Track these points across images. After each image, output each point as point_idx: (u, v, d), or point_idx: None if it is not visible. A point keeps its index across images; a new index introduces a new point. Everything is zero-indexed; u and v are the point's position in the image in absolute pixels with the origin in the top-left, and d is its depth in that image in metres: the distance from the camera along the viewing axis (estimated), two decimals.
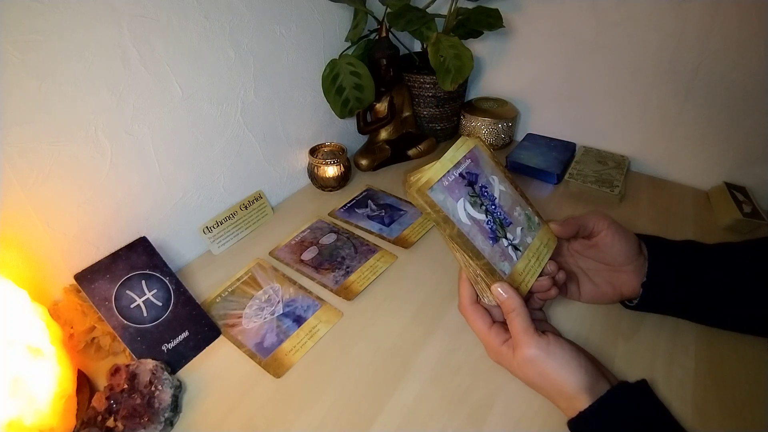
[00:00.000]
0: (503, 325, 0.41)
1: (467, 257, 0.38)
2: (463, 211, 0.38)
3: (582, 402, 0.35)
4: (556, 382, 0.36)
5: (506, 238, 0.40)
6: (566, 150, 0.80)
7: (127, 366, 0.42)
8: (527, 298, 0.41)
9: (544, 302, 0.45)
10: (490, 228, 0.39)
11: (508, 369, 0.40)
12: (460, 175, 0.39)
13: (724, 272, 0.43)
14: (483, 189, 0.40)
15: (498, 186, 0.41)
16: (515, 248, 0.41)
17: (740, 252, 0.44)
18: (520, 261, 0.40)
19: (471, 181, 0.39)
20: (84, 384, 0.44)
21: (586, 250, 0.47)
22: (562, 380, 0.36)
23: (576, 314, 0.50)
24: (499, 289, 0.38)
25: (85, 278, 0.45)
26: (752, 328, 0.45)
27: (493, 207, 0.40)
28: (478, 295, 0.42)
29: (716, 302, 0.43)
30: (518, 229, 0.41)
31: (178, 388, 0.44)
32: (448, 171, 0.38)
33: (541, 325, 0.44)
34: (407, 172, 0.39)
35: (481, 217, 0.39)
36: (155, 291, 0.48)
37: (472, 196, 0.39)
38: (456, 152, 0.39)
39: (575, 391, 0.35)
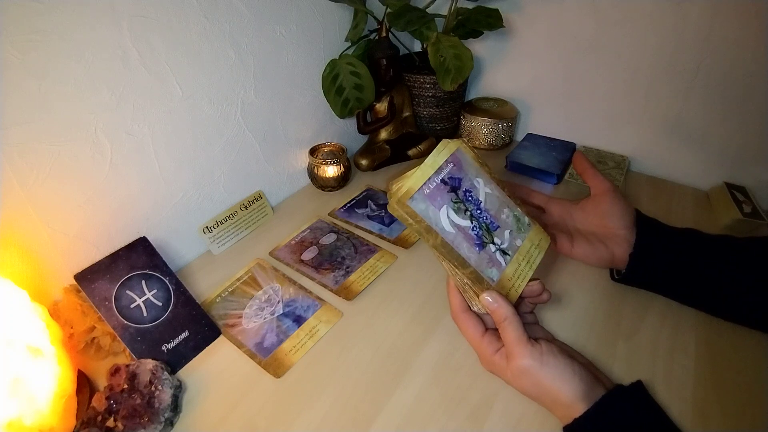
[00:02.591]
0: (496, 332, 0.40)
1: (453, 266, 0.37)
2: (446, 218, 0.36)
3: (578, 410, 0.35)
4: (552, 392, 0.36)
5: (493, 243, 0.39)
6: (566, 150, 0.80)
7: (127, 366, 0.42)
8: (518, 303, 0.40)
9: (535, 306, 0.44)
10: (476, 234, 0.38)
11: (502, 378, 0.40)
12: (442, 181, 0.37)
13: (714, 250, 0.45)
14: (467, 194, 0.38)
15: (483, 189, 0.40)
16: (503, 253, 0.39)
17: (730, 238, 0.46)
18: (509, 266, 0.39)
19: (454, 187, 0.37)
20: (84, 384, 0.44)
21: (583, 207, 0.50)
22: (557, 390, 0.36)
23: (576, 314, 0.50)
24: (488, 299, 0.37)
25: (85, 278, 0.45)
26: (740, 314, 0.45)
27: (479, 212, 0.39)
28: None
29: (703, 282, 0.44)
30: (506, 233, 0.40)
31: (178, 388, 0.44)
32: (429, 178, 0.36)
33: (533, 329, 0.43)
34: (389, 180, 0.37)
35: (466, 223, 0.37)
36: (155, 291, 0.48)
37: (455, 203, 0.37)
38: (437, 157, 0.37)
39: (571, 400, 0.35)
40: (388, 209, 0.35)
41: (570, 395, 0.35)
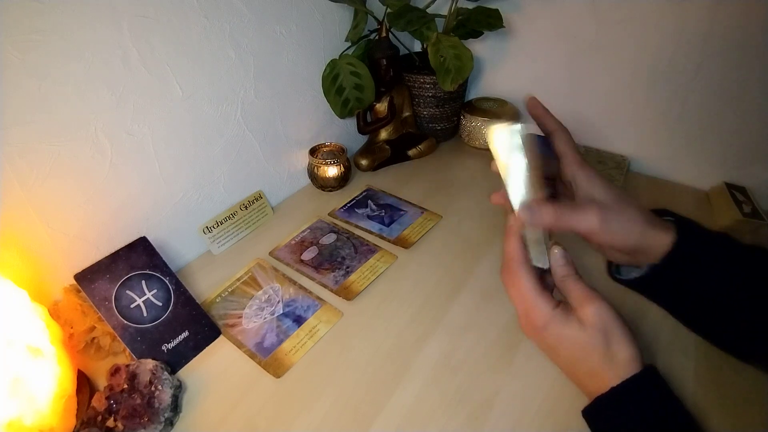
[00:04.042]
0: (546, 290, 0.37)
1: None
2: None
3: (630, 370, 0.33)
4: (615, 345, 0.34)
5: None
6: None
7: (127, 366, 0.42)
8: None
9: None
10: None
11: (549, 337, 0.36)
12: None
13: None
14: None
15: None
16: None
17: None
18: None
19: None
20: (84, 384, 0.44)
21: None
22: (626, 345, 0.34)
23: None
24: (561, 253, 0.37)
25: (85, 278, 0.45)
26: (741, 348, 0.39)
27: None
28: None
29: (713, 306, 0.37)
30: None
31: (178, 388, 0.44)
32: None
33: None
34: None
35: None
36: (155, 291, 0.48)
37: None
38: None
39: (628, 359, 0.33)
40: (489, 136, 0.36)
41: (630, 353, 0.33)
